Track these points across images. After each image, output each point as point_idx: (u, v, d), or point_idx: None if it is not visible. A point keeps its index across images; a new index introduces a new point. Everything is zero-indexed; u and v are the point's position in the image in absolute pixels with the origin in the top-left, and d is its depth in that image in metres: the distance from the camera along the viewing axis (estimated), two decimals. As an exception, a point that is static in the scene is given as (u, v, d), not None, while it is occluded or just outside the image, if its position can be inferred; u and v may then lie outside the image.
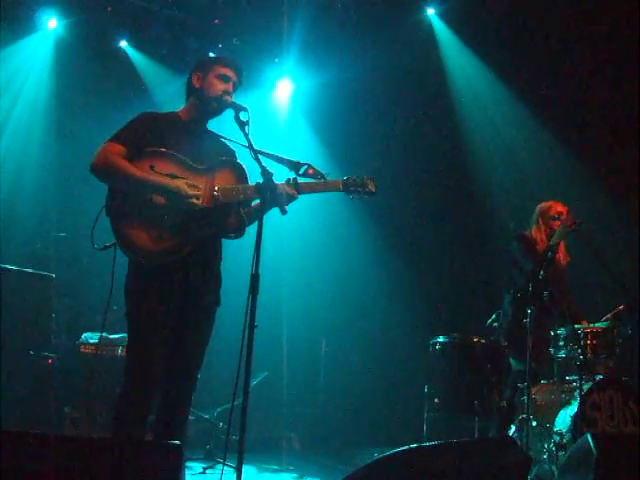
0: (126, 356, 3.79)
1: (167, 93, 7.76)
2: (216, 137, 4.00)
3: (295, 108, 8.80)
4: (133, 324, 3.72)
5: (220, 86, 3.86)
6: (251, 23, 7.92)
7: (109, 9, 7.61)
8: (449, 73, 8.40)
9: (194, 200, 3.68)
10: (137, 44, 8.12)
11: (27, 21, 7.53)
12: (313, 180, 3.85)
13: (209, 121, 3.99)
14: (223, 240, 3.91)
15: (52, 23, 7.63)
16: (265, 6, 7.84)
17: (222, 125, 4.01)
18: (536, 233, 6.03)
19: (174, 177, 3.67)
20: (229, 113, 3.78)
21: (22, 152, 7.65)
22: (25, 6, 7.44)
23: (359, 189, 3.92)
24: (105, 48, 8.02)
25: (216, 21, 7.96)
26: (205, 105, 3.89)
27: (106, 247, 3.72)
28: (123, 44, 8.12)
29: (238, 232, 3.81)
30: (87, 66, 7.76)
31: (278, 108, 8.81)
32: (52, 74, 7.81)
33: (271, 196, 3.55)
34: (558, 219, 5.89)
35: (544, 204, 6.13)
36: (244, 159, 3.87)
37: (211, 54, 7.87)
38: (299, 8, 7.67)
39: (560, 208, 6.00)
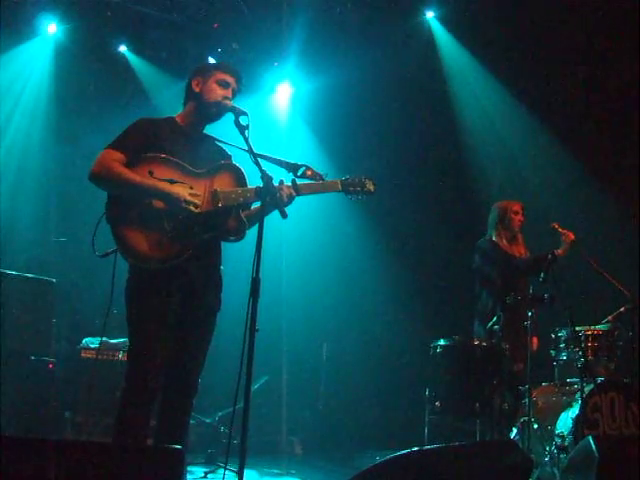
0: (127, 360, 3.79)
1: (166, 97, 7.77)
2: (213, 141, 4.00)
3: (295, 112, 8.81)
4: (133, 329, 3.72)
5: (220, 92, 3.86)
6: (250, 27, 7.92)
7: (108, 14, 7.62)
8: (448, 76, 8.41)
9: (192, 207, 3.67)
10: (136, 49, 8.14)
11: (27, 26, 7.57)
12: (311, 181, 3.85)
13: (206, 126, 3.99)
14: (224, 243, 3.91)
15: (52, 28, 7.67)
16: (264, 10, 7.85)
17: (220, 129, 4.01)
18: (497, 237, 6.11)
19: (173, 182, 3.67)
20: (228, 117, 3.78)
21: (22, 157, 7.67)
22: (25, 11, 7.46)
23: (358, 189, 3.93)
24: (105, 53, 8.05)
25: (215, 25, 7.97)
26: (204, 110, 3.89)
27: (107, 254, 3.73)
28: (122, 49, 8.16)
29: (238, 235, 3.80)
30: (87, 71, 7.80)
31: (278, 112, 8.82)
32: (52, 79, 7.84)
33: (271, 200, 3.55)
34: (515, 217, 6.10)
35: (500, 205, 6.23)
36: (242, 163, 3.87)
37: (210, 59, 7.88)
38: (298, 12, 7.67)
39: (516, 207, 6.16)
